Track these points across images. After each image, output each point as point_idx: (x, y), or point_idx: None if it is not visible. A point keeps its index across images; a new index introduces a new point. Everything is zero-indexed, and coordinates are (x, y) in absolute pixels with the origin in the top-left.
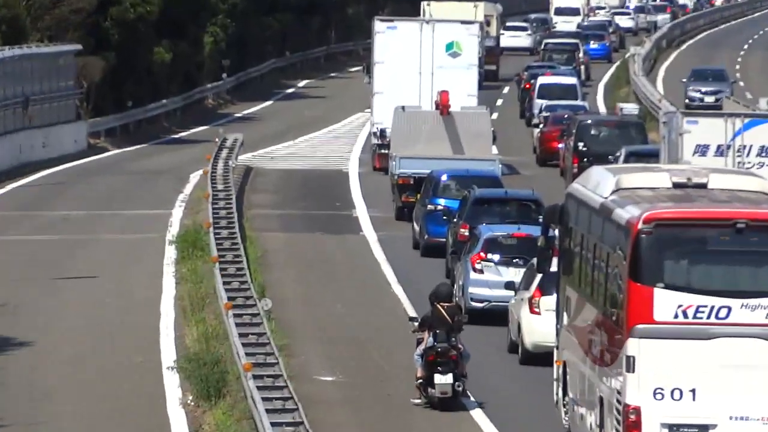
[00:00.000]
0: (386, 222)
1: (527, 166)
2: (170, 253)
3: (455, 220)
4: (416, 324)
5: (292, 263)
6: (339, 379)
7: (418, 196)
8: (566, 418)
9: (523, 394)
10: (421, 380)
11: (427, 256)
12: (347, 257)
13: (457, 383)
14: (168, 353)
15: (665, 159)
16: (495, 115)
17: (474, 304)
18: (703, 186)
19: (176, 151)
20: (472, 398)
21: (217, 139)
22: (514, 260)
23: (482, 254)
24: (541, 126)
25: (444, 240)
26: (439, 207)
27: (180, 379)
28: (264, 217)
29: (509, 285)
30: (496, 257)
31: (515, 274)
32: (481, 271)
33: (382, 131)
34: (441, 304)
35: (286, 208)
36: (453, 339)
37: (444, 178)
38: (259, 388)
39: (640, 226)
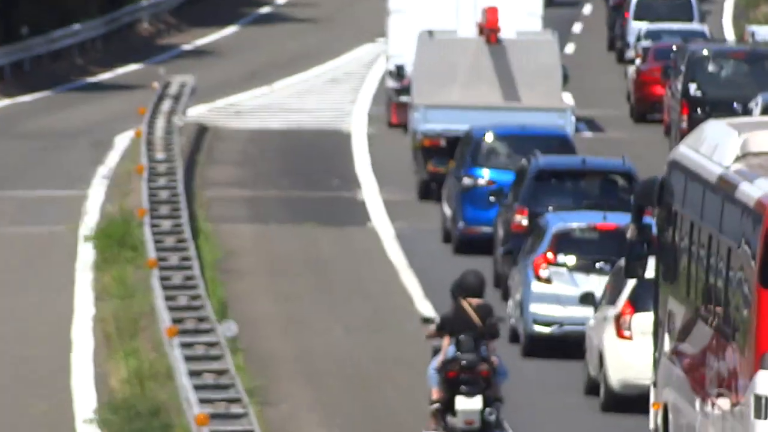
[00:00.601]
0: (407, 207)
1: (617, 122)
2: (86, 253)
3: (507, 202)
4: (433, 327)
5: (268, 269)
6: None
7: (451, 164)
8: None
9: None
10: (437, 404)
11: (462, 253)
12: (350, 260)
13: (488, 410)
14: (84, 399)
15: None
16: (570, 48)
17: (538, 328)
18: None
19: (95, 101)
20: None
21: (155, 84)
22: (596, 264)
23: (550, 256)
24: (638, 62)
25: (489, 230)
26: (481, 181)
27: None
28: (226, 202)
29: (587, 298)
30: (571, 260)
31: (598, 284)
32: (548, 281)
33: (401, 69)
34: (468, 300)
35: (258, 188)
36: (484, 348)
37: (488, 138)
38: None
39: None
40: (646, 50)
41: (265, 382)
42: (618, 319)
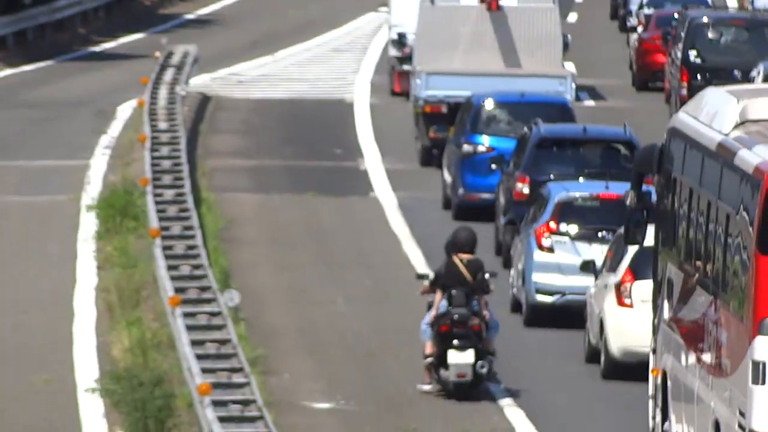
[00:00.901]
0: (410, 176)
1: (620, 90)
2: (88, 223)
3: (509, 170)
4: (426, 283)
5: (270, 239)
6: (340, 407)
7: (452, 131)
8: None
9: (604, 420)
10: (430, 359)
11: (462, 219)
12: (352, 230)
13: (480, 363)
14: (86, 369)
15: None
16: (572, 17)
17: (540, 297)
18: None
19: (97, 71)
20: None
21: (158, 54)
22: (598, 234)
23: (552, 225)
24: (640, 29)
25: (489, 197)
26: (481, 148)
27: (105, 406)
28: (228, 171)
29: (587, 266)
30: (573, 229)
31: (600, 254)
32: (550, 250)
33: (402, 37)
34: (460, 255)
35: (260, 158)
36: (475, 303)
37: (488, 105)
38: (221, 420)
39: None
40: (648, 18)
41: (267, 351)
42: (618, 287)
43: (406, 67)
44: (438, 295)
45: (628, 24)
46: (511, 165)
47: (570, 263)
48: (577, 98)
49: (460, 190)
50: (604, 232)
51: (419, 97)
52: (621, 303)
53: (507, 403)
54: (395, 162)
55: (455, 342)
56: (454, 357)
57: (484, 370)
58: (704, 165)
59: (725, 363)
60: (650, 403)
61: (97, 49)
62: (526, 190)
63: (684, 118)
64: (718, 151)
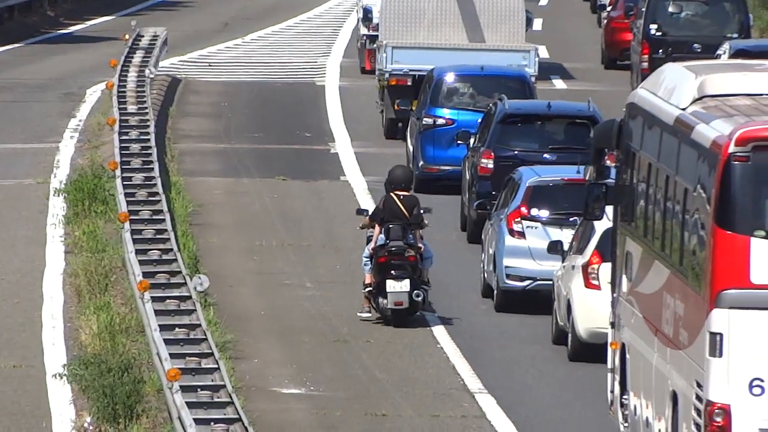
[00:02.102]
0: (380, 160)
1: (591, 72)
2: (57, 207)
3: (475, 145)
4: (366, 217)
5: (239, 223)
6: (310, 392)
7: (416, 104)
8: (625, 425)
9: (572, 404)
10: (369, 288)
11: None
12: (322, 214)
13: (415, 292)
14: (54, 354)
15: None
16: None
17: (511, 282)
18: None
19: (66, 54)
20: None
21: (126, 36)
22: (569, 218)
23: (523, 210)
24: (609, 8)
25: (448, 168)
26: (441, 121)
27: (73, 391)
28: (198, 155)
29: (554, 247)
30: (544, 214)
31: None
32: (521, 235)
33: (368, 12)
34: (397, 192)
35: (230, 141)
36: (411, 236)
37: (448, 78)
38: (190, 405)
39: (731, 148)
40: None
41: (236, 336)
42: (586, 268)
43: (376, 44)
44: (376, 229)
45: (599, 3)
46: (476, 140)
47: (541, 248)
48: (548, 79)
49: (420, 162)
50: (575, 217)
51: (384, 70)
52: (588, 285)
53: (477, 389)
54: (367, 146)
55: (392, 272)
56: (391, 286)
57: (419, 299)
58: (662, 140)
59: (683, 336)
60: (609, 376)
61: (65, 31)
62: (490, 165)
63: (642, 94)
64: (675, 126)
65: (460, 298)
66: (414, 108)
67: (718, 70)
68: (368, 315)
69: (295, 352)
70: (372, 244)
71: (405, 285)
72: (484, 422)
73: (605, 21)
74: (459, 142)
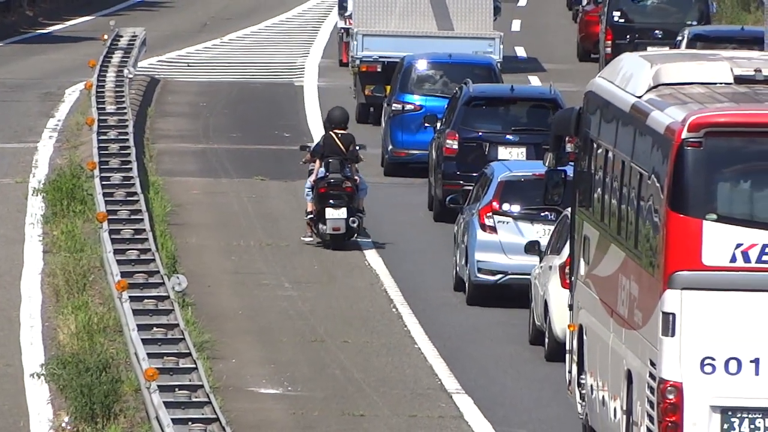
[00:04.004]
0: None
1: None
2: (35, 207)
3: (441, 128)
4: (308, 153)
5: (218, 223)
6: (287, 392)
7: (389, 90)
8: (582, 404)
9: (550, 405)
10: (311, 215)
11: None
12: (300, 214)
13: (351, 219)
14: (32, 354)
15: None
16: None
17: (482, 277)
18: None
19: (44, 53)
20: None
21: (105, 36)
22: (541, 213)
23: (495, 205)
24: (584, 2)
25: (416, 153)
26: (409, 107)
27: (51, 391)
28: (176, 155)
29: (531, 247)
30: (516, 209)
31: (543, 233)
32: (493, 230)
33: (343, 2)
34: (335, 130)
35: (209, 141)
36: (348, 170)
37: (417, 65)
38: (168, 405)
39: (684, 134)
40: None
41: (214, 336)
42: (563, 268)
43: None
44: (317, 163)
45: None
46: (442, 123)
47: (513, 243)
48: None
49: (390, 147)
50: (547, 212)
51: (356, 57)
52: (565, 285)
53: (455, 390)
54: None
55: (331, 201)
56: (330, 213)
57: (355, 225)
58: (619, 127)
59: (637, 316)
60: (567, 357)
61: (44, 31)
62: (455, 146)
63: (600, 83)
64: (631, 113)
65: (431, 292)
66: (387, 94)
67: (674, 60)
68: (310, 239)
69: (272, 352)
70: (313, 177)
71: (342, 213)
72: (462, 422)
73: (580, 15)
74: (426, 125)
